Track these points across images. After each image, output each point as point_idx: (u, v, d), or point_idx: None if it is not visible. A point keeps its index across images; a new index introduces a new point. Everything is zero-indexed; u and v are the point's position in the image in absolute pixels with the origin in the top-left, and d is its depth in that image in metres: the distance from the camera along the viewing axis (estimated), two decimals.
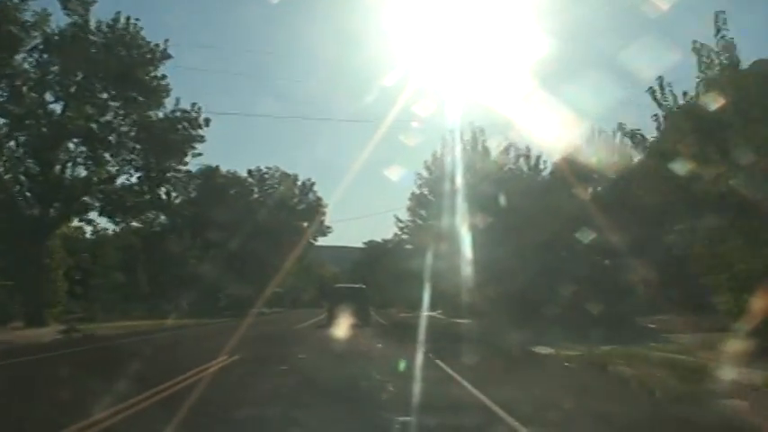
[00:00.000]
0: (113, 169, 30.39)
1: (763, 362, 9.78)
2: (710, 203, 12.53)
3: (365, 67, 70.22)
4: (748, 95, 11.83)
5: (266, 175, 66.95)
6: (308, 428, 7.27)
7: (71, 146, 29.45)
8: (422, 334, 21.17)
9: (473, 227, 25.01)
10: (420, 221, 39.19)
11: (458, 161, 29.28)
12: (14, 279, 27.84)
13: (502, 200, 24.20)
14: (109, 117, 29.63)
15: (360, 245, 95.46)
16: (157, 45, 29.33)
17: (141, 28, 29.04)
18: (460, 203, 27.57)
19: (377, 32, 53.73)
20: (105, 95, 29.44)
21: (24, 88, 27.60)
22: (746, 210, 11.89)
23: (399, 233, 49.16)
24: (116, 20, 28.63)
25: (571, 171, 20.96)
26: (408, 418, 7.45)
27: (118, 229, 40.91)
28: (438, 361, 13.16)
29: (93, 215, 31.09)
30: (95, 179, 30.07)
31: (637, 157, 16.41)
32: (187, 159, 32.27)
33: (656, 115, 13.68)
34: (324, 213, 65.81)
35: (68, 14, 27.93)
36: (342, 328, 24.64)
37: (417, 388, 9.93)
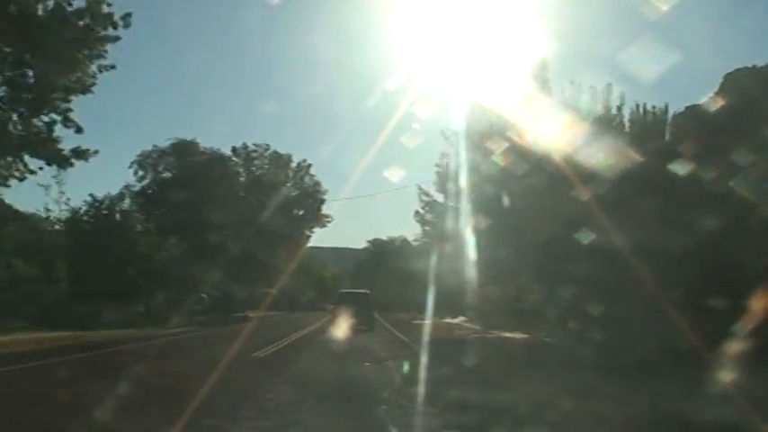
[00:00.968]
0: None
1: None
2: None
3: (366, 69, 70.22)
4: None
5: (254, 154, 57.31)
6: None
7: None
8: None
9: (495, 227, 24.72)
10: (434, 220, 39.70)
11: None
12: None
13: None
14: None
15: (362, 245, 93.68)
16: None
17: None
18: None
19: (378, 34, 53.80)
20: None
21: None
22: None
23: (423, 211, 43.05)
24: None
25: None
26: None
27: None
28: None
29: None
30: None
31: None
32: (91, 70, 21.75)
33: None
34: (322, 201, 58.23)
35: None
36: (344, 331, 25.07)
37: None
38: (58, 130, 22.58)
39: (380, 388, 10.77)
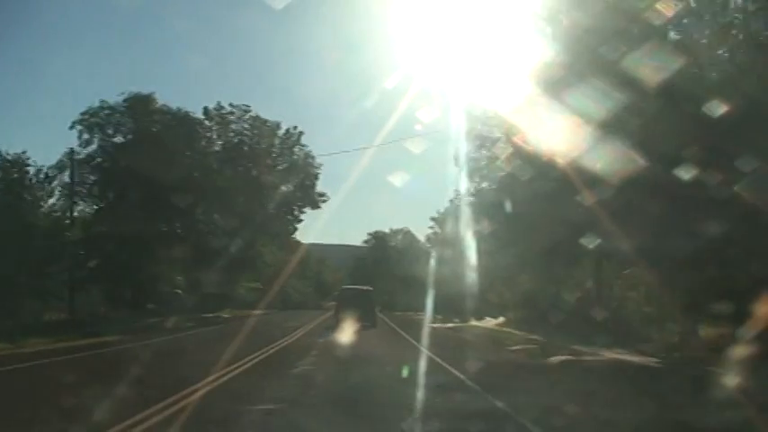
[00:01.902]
0: None
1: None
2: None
3: (368, 72, 70.20)
4: None
5: (230, 117, 44.95)
6: None
7: None
8: None
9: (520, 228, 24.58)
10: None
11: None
12: None
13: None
14: None
15: (362, 241, 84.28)
16: None
17: None
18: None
19: (380, 37, 54.03)
20: None
21: None
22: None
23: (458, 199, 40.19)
24: None
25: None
26: None
27: None
28: None
29: None
30: None
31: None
32: None
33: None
34: (316, 176, 46.78)
35: None
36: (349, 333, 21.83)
37: None
38: None
39: None
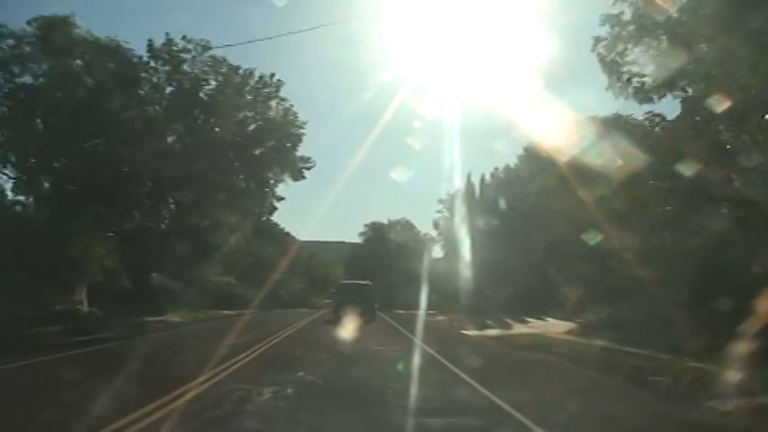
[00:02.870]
0: None
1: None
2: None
3: (368, 68, 70.07)
4: None
5: (184, 55, 31.56)
6: None
7: None
8: None
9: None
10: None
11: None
12: None
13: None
14: None
15: (357, 235, 75.96)
16: None
17: None
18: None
19: (381, 33, 53.90)
20: None
21: None
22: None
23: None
24: None
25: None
26: None
27: None
28: None
29: None
30: None
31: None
32: None
33: None
34: (299, 138, 34.68)
35: None
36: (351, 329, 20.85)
37: None
38: None
39: None
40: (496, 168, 43.10)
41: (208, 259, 35.87)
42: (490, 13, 26.94)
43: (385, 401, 8.74)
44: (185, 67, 31.80)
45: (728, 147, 13.88)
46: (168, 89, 32.20)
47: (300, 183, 36.41)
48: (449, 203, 48.45)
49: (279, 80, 34.24)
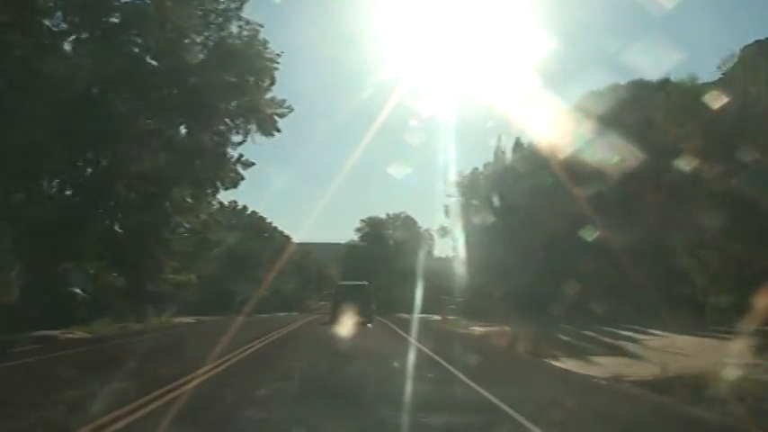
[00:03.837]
0: None
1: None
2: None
3: (365, 66, 69.54)
4: None
5: None
6: None
7: None
8: None
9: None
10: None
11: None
12: None
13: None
14: None
15: (353, 232, 69.23)
16: None
17: None
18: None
19: (378, 31, 53.69)
20: None
21: None
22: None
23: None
24: None
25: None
26: None
27: None
28: None
29: None
30: None
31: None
32: None
33: None
34: (270, 75, 24.95)
35: None
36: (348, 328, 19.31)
37: None
38: None
39: None
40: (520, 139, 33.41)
41: (148, 251, 26.33)
42: (486, 11, 26.95)
43: None
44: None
45: None
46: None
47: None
48: (470, 181, 38.17)
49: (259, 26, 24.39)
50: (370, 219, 66.43)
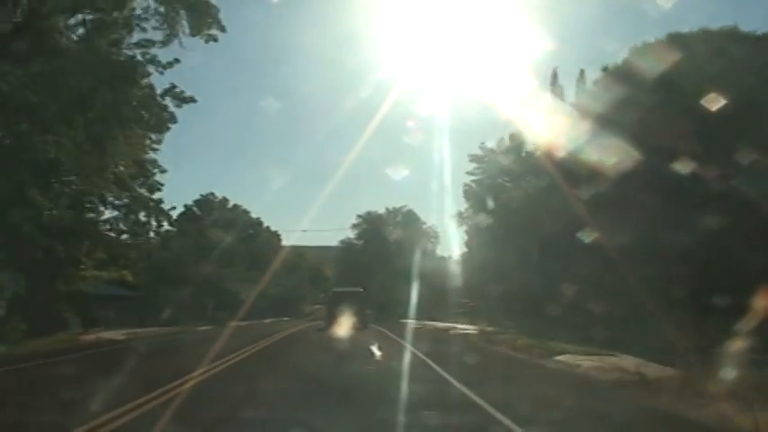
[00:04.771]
0: None
1: None
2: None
3: (363, 66, 69.43)
4: None
5: None
6: None
7: None
8: None
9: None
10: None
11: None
12: None
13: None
14: None
15: (350, 230, 62.04)
16: None
17: None
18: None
19: (376, 31, 53.62)
20: None
21: None
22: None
23: None
24: None
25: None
26: None
27: None
28: None
29: None
30: None
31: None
32: None
33: None
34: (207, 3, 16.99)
35: None
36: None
37: None
38: None
39: None
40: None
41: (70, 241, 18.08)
42: (484, 12, 26.91)
43: None
44: None
45: None
46: None
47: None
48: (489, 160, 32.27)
49: None
50: (367, 214, 59.87)
